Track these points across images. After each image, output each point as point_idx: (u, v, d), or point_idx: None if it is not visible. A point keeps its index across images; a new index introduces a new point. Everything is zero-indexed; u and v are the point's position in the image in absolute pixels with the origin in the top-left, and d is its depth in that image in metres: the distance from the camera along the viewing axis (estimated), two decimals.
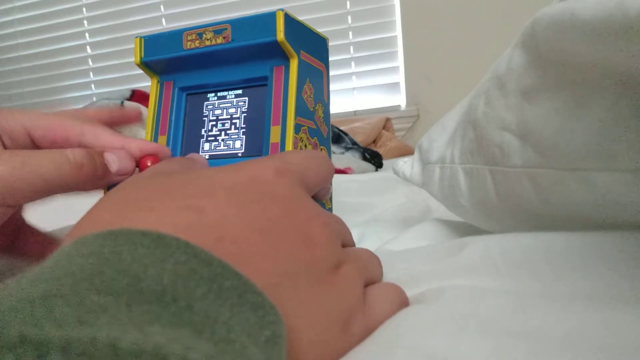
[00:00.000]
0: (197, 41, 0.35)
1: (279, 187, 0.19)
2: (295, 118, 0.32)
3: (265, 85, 0.34)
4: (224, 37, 0.34)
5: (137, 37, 0.38)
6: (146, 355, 0.09)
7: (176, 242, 0.13)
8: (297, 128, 0.33)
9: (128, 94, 1.06)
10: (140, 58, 0.37)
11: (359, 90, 1.91)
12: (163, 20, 2.04)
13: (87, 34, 2.12)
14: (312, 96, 0.35)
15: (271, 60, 0.34)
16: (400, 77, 1.87)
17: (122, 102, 1.01)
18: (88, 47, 2.13)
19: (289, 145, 0.32)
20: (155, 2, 2.03)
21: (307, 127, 0.34)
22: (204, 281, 0.12)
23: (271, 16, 0.32)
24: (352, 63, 1.88)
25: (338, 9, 1.86)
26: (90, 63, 2.13)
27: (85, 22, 2.12)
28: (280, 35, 0.31)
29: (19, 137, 0.26)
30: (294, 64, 0.33)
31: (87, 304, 0.10)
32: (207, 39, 0.34)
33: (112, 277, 0.11)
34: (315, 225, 0.18)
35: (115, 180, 0.27)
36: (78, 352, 0.08)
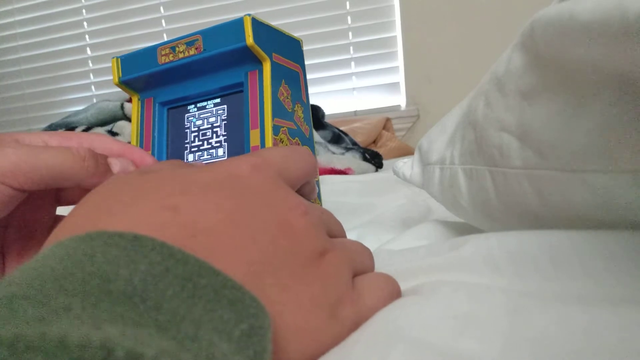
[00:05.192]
0: (171, 55, 0.36)
1: (256, 181, 0.19)
2: (273, 119, 0.33)
3: (242, 91, 0.35)
4: (196, 48, 0.34)
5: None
6: (92, 347, 0.09)
7: (152, 243, 0.13)
8: (276, 129, 0.33)
9: (128, 96, 1.06)
10: (119, 78, 0.38)
11: (359, 91, 1.91)
12: (163, 21, 2.04)
13: (87, 36, 2.13)
14: (289, 97, 0.35)
15: (245, 66, 0.34)
16: (400, 77, 1.88)
17: (122, 104, 1.01)
18: (88, 49, 2.13)
19: (269, 147, 0.32)
20: (155, 3, 2.03)
21: (287, 127, 0.34)
22: (178, 281, 0.13)
23: (239, 22, 0.32)
24: (352, 63, 1.88)
25: (338, 9, 1.85)
26: (91, 65, 2.14)
27: (85, 23, 2.12)
28: (250, 40, 0.32)
29: None
30: (266, 67, 0.33)
31: (52, 305, 0.10)
32: (180, 52, 0.35)
33: (82, 279, 0.12)
34: (294, 214, 0.18)
35: None
36: (26, 346, 0.08)
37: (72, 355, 0.09)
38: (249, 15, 0.32)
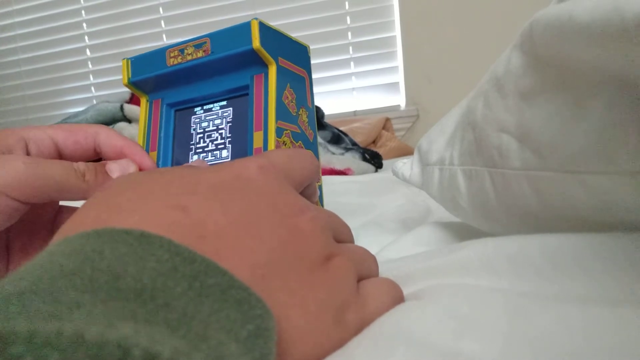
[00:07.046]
0: (180, 57, 0.36)
1: (264, 183, 0.19)
2: (277, 122, 0.33)
3: (248, 94, 0.35)
4: (204, 51, 0.35)
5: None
6: (110, 345, 0.09)
7: (159, 241, 0.13)
8: (280, 132, 0.33)
9: (127, 97, 1.06)
10: (128, 79, 0.38)
11: (358, 91, 1.91)
12: (162, 22, 2.04)
13: (86, 37, 2.13)
14: (294, 101, 0.35)
15: (251, 69, 0.35)
16: (399, 77, 1.88)
17: (122, 106, 1.01)
18: (87, 50, 2.13)
19: (272, 148, 0.32)
20: (154, 4, 2.03)
21: (291, 131, 0.35)
22: (185, 279, 0.13)
23: (246, 26, 0.33)
24: (352, 63, 1.88)
25: (337, 9, 1.85)
26: (90, 66, 2.14)
27: (84, 24, 2.12)
28: (256, 43, 0.32)
29: (44, 144, 0.28)
30: (272, 70, 0.34)
31: (63, 301, 0.10)
32: (189, 54, 0.35)
33: (92, 275, 0.12)
34: (302, 217, 0.18)
35: None
36: (43, 342, 0.08)
37: (89, 353, 0.08)
38: (256, 19, 0.32)
